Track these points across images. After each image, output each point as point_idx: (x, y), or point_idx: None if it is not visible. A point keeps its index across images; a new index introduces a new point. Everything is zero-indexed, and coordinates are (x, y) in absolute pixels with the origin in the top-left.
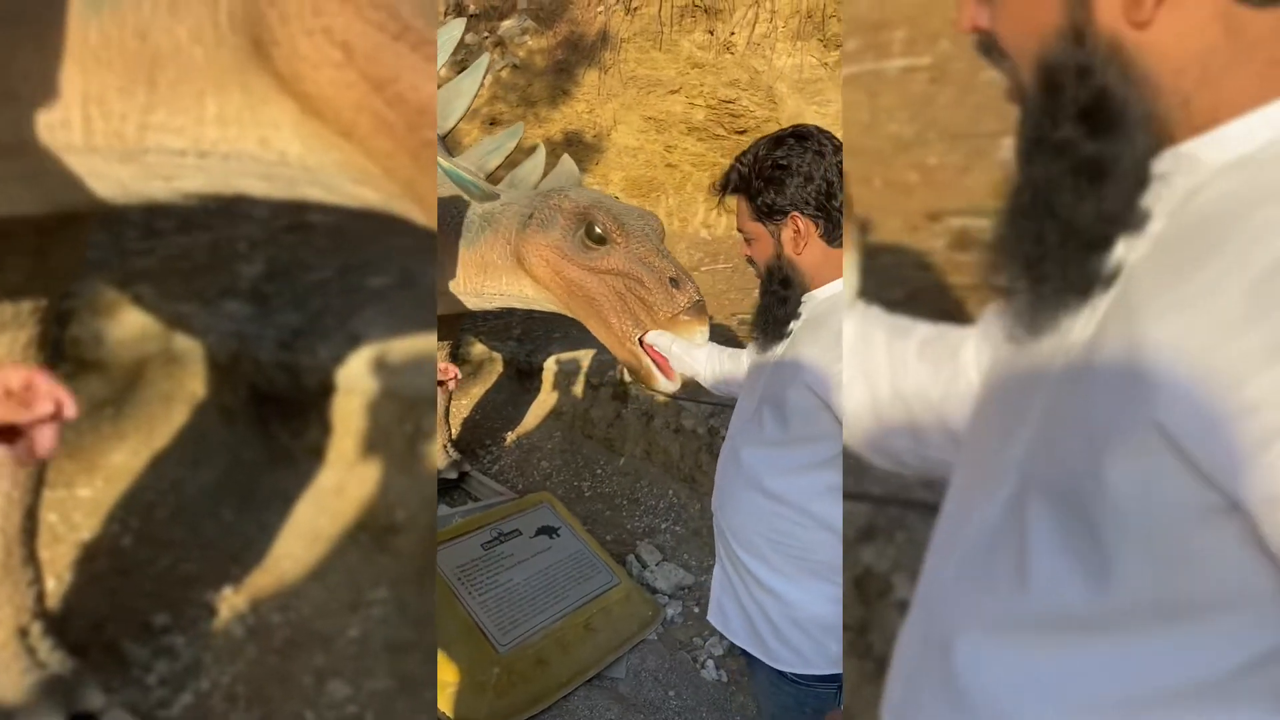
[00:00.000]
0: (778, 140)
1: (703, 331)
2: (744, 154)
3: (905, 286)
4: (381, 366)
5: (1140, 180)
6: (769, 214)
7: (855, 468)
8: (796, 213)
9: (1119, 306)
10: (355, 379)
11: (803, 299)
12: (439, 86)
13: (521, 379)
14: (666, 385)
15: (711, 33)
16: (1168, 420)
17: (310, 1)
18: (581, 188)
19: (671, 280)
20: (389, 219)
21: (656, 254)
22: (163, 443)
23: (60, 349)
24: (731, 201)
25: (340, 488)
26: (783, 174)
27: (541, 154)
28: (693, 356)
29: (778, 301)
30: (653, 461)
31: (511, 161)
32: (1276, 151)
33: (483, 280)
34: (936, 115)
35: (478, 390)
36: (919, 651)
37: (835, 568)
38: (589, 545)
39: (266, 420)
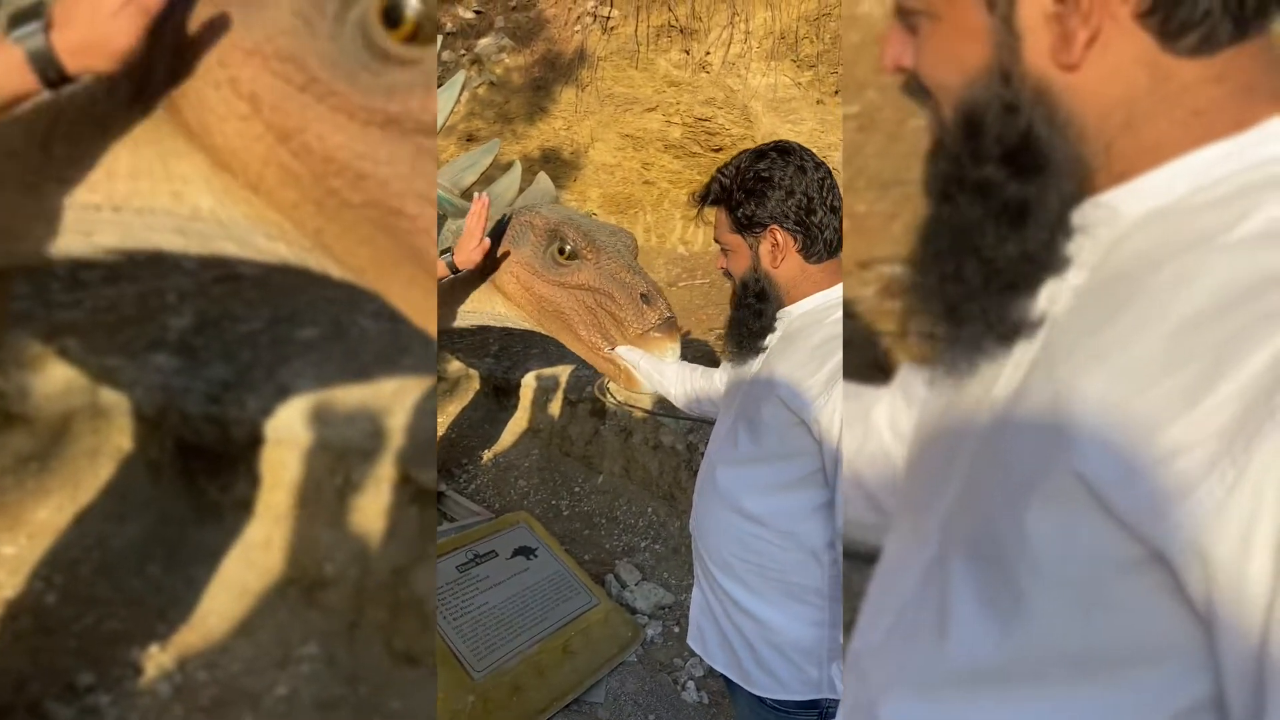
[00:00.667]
0: (760, 154)
1: (673, 348)
2: (726, 166)
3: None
4: (311, 418)
5: (1062, 224)
6: (748, 226)
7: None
8: (776, 226)
9: (1041, 359)
10: (284, 431)
11: (778, 314)
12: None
13: (499, 396)
14: (648, 384)
15: (687, 52)
16: (1087, 469)
17: (217, 54)
18: (554, 205)
19: (643, 296)
20: (321, 271)
21: (628, 270)
22: (88, 498)
23: None
24: (710, 215)
25: (268, 541)
26: (764, 186)
27: (517, 170)
28: (662, 373)
29: (752, 315)
30: (631, 479)
31: (488, 178)
32: (1194, 203)
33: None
34: (865, 163)
35: (454, 408)
36: (849, 718)
37: (815, 590)
38: (567, 565)
39: (194, 474)
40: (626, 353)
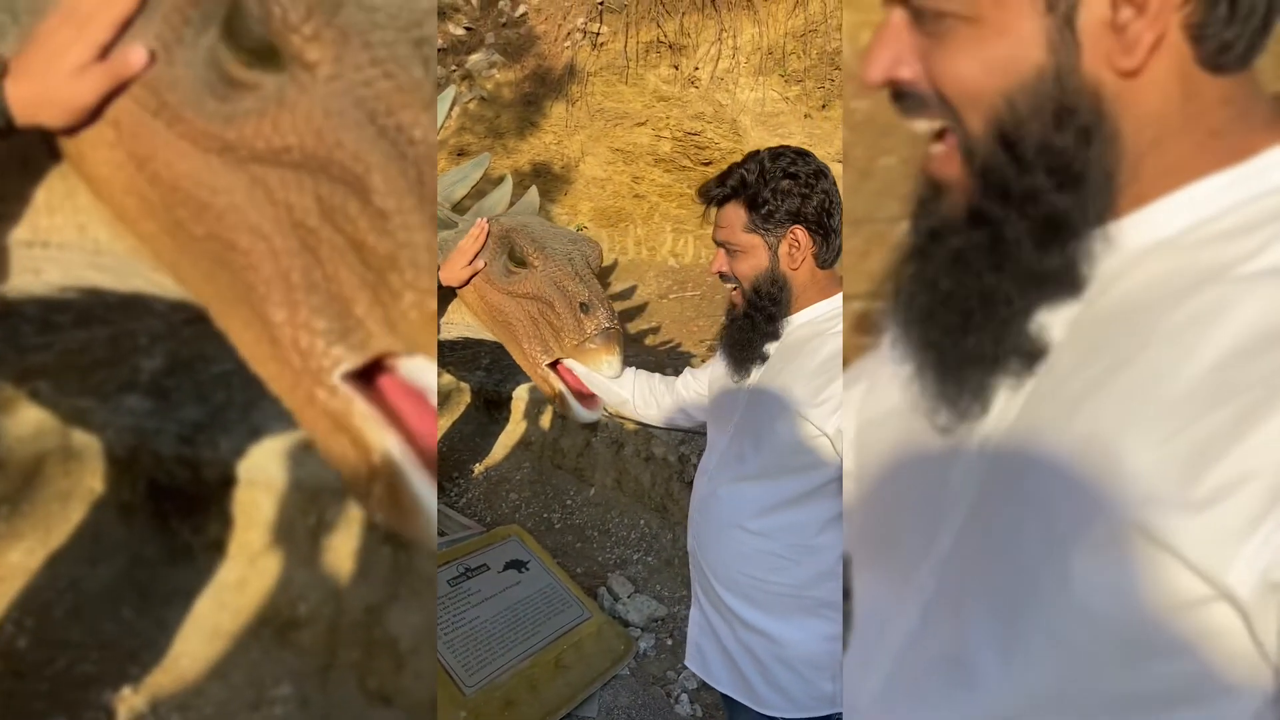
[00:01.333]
0: (779, 153)
1: (609, 361)
2: (744, 162)
3: None
4: (283, 458)
5: (1089, 245)
6: (769, 224)
7: None
8: (799, 225)
9: (1050, 395)
10: (257, 471)
11: (782, 321)
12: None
13: (490, 409)
14: (583, 414)
15: (676, 67)
16: (1139, 514)
17: None
18: (518, 214)
19: (581, 305)
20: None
21: (572, 278)
22: (60, 541)
23: None
24: (696, 226)
25: (242, 582)
26: (790, 184)
27: (508, 184)
28: (620, 387)
29: (765, 319)
30: (624, 491)
31: (479, 192)
32: (1201, 235)
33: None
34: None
35: (445, 421)
36: None
37: (830, 603)
38: (559, 579)
39: (166, 515)
40: (573, 366)
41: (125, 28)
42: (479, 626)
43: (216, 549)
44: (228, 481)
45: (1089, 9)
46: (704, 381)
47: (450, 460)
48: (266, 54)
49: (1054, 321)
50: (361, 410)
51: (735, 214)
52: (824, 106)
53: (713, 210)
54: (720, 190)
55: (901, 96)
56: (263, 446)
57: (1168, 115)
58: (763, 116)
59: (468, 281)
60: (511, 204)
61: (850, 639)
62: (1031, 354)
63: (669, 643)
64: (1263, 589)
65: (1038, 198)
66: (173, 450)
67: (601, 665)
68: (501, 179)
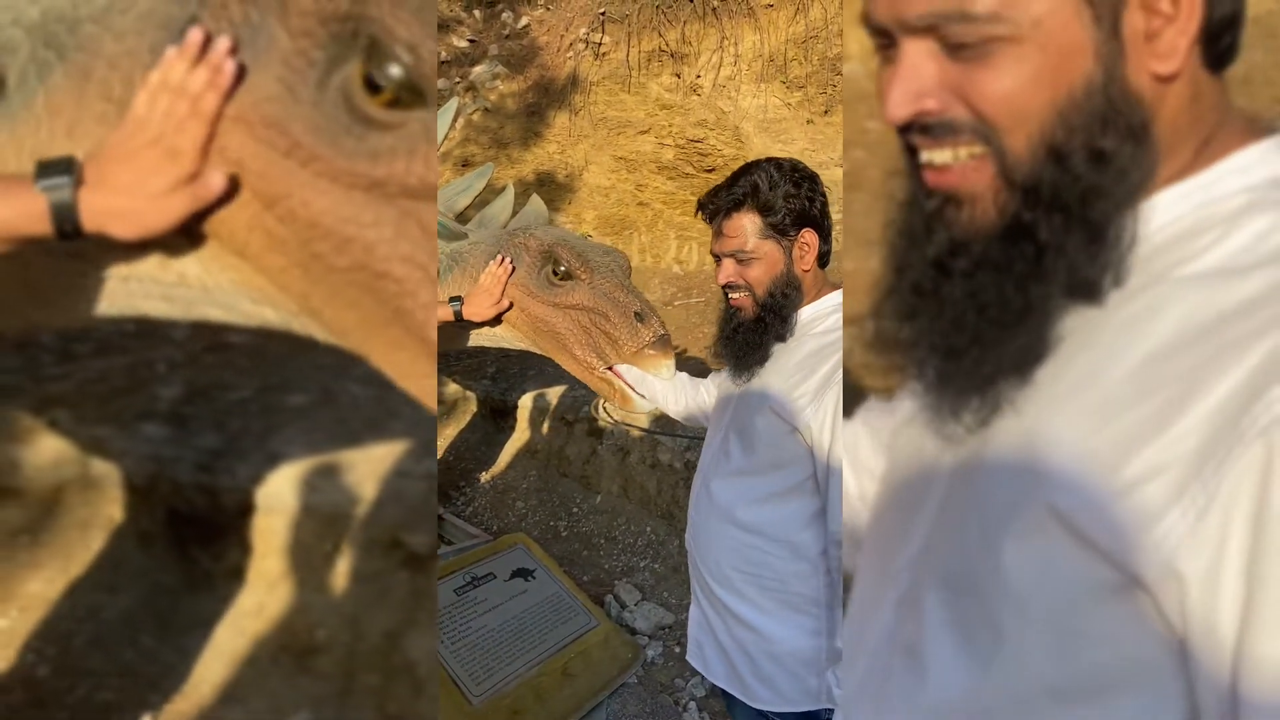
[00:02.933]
0: (778, 162)
1: (668, 366)
2: (748, 173)
3: None
4: (301, 485)
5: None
6: (783, 230)
7: None
8: (808, 228)
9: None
10: (275, 498)
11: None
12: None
13: (496, 418)
14: (643, 404)
15: (678, 76)
16: (1060, 501)
17: None
18: (548, 225)
19: (636, 314)
20: (307, 336)
21: (621, 289)
22: (80, 569)
23: None
24: (699, 233)
25: (260, 609)
26: (796, 190)
27: (510, 193)
28: (661, 389)
29: (780, 320)
30: (629, 498)
31: (481, 201)
32: (1153, 243)
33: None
34: (852, 221)
35: (451, 431)
36: None
37: (813, 599)
38: (566, 587)
39: (185, 543)
40: (625, 371)
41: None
42: (485, 635)
43: (235, 576)
44: (246, 509)
45: (1132, 15)
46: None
47: (456, 469)
48: (408, 94)
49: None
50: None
51: (747, 222)
52: (826, 112)
53: (707, 228)
54: (730, 199)
55: (926, 129)
56: (280, 473)
57: (1179, 118)
58: (765, 123)
59: (491, 319)
60: (515, 213)
61: (844, 644)
62: (1043, 358)
63: (676, 650)
64: (1166, 575)
65: (1090, 206)
66: (191, 478)
67: (609, 673)
68: (504, 189)
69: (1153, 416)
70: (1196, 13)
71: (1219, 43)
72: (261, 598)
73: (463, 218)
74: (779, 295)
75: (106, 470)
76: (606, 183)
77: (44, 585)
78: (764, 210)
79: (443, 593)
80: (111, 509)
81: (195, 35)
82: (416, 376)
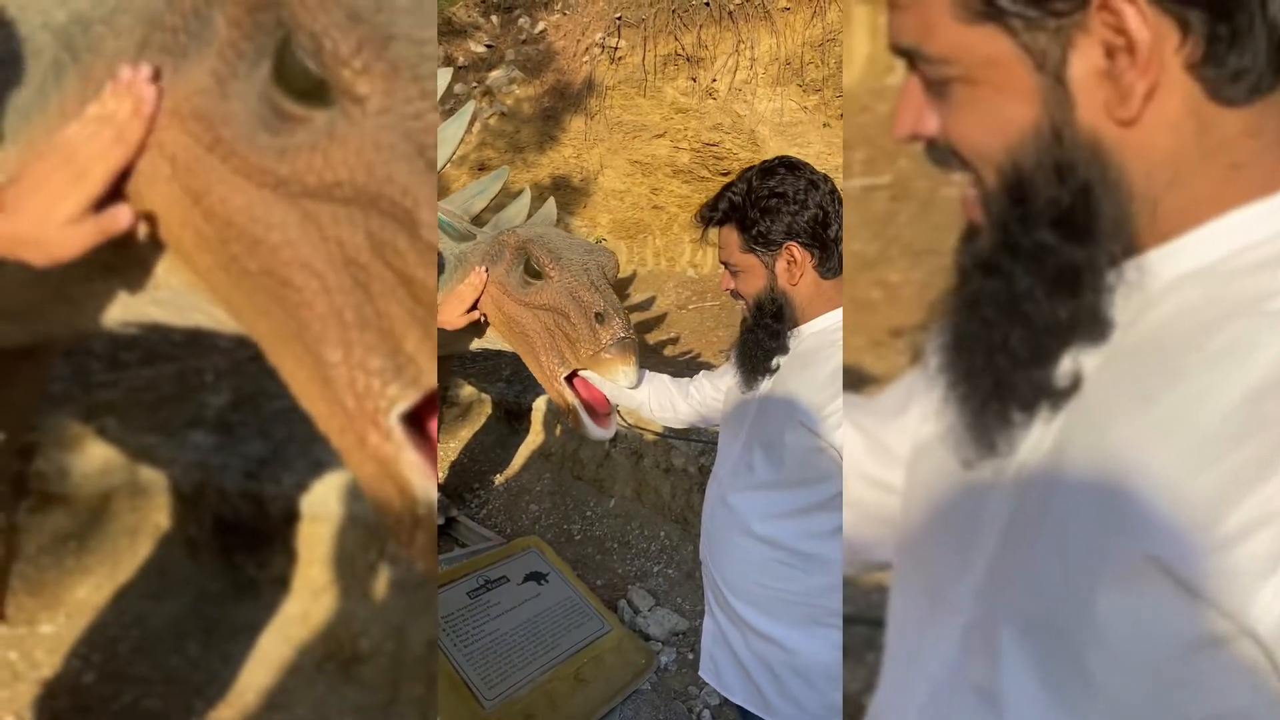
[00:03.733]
0: (768, 170)
1: (626, 371)
2: (734, 183)
3: None
4: (345, 493)
5: (1110, 288)
6: (764, 244)
7: None
8: (793, 243)
9: (1081, 423)
10: (319, 506)
11: (790, 333)
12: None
13: (510, 420)
14: (596, 432)
15: (694, 79)
16: (1162, 552)
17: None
18: (535, 224)
19: (597, 315)
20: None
21: (588, 287)
22: (127, 576)
23: (25, 483)
24: (713, 236)
25: (305, 617)
26: (779, 202)
27: (526, 196)
28: (642, 398)
29: (769, 335)
30: (643, 502)
31: (497, 205)
32: (1235, 265)
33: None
34: (898, 233)
35: (466, 433)
36: None
37: (838, 612)
38: (579, 591)
39: (231, 550)
40: (591, 375)
41: (120, 178)
42: (498, 639)
43: (280, 584)
44: (291, 516)
45: (1083, 60)
46: (720, 386)
47: (471, 471)
48: (318, 89)
49: (1092, 352)
50: (410, 460)
51: (730, 236)
52: (843, 115)
53: (714, 232)
54: (713, 214)
55: (931, 149)
56: (325, 481)
57: (1183, 154)
58: (781, 126)
59: (466, 327)
60: (530, 216)
61: (885, 665)
62: (1059, 394)
63: (690, 657)
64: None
65: (1045, 252)
66: (237, 485)
67: (622, 679)
68: (520, 192)
69: (1258, 459)
70: (1164, 55)
71: (1222, 75)
72: (306, 606)
73: (478, 221)
74: (766, 310)
75: (154, 478)
76: (622, 186)
77: (91, 592)
78: (742, 226)
79: (455, 596)
80: (159, 516)
81: (125, 72)
82: (313, 398)
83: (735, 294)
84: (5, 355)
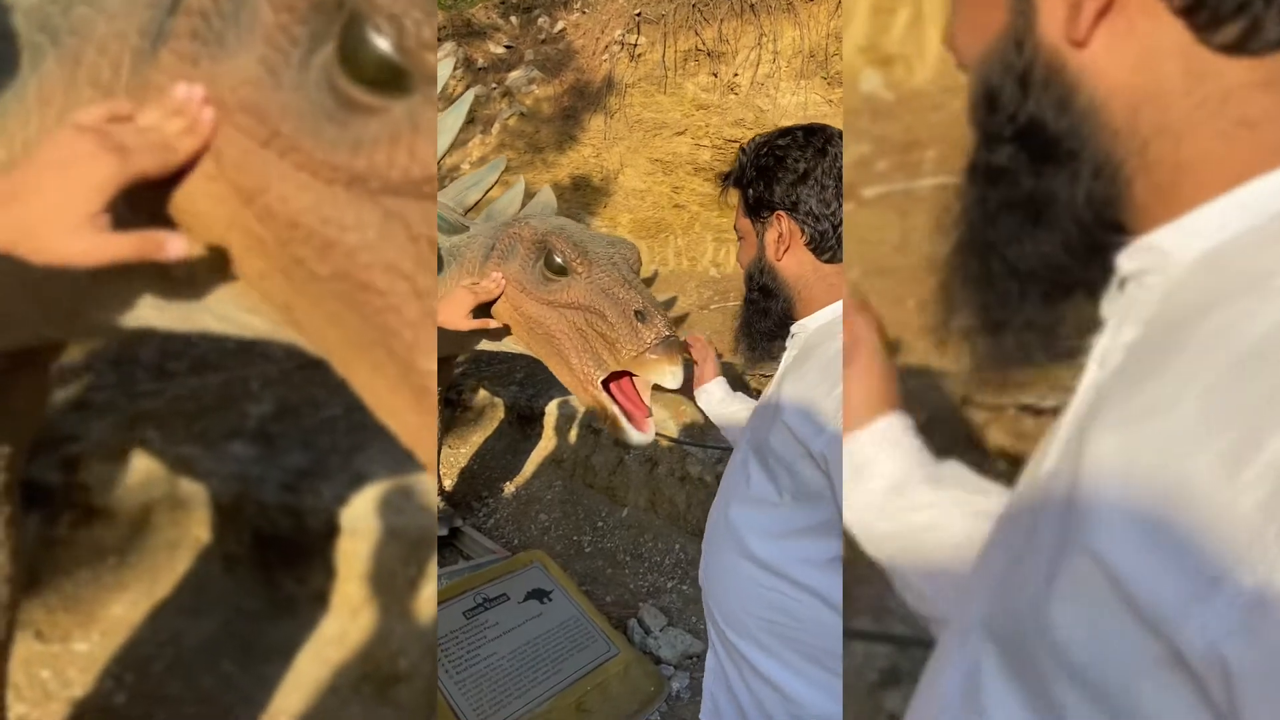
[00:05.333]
0: (785, 131)
1: (673, 372)
2: (750, 141)
3: (926, 410)
4: (385, 506)
5: (1092, 230)
6: (756, 210)
7: (875, 607)
8: (782, 212)
9: (1089, 426)
10: (359, 520)
11: (793, 328)
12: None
13: (523, 425)
14: (637, 437)
15: (715, 75)
16: (1108, 555)
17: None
18: (547, 215)
19: (637, 313)
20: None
21: (622, 284)
22: (165, 592)
23: (70, 496)
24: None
25: (342, 636)
26: (776, 166)
27: (520, 187)
28: (735, 406)
29: (758, 313)
30: (657, 513)
31: (493, 198)
32: (1247, 241)
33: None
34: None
35: (478, 438)
36: None
37: (836, 655)
38: (584, 610)
39: (270, 566)
40: (703, 395)
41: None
42: (494, 664)
43: (319, 601)
44: (331, 531)
45: None
46: None
47: (481, 478)
48: (394, 76)
49: (1114, 350)
50: None
51: (737, 199)
52: (843, 94)
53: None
54: (729, 174)
55: (961, 63)
56: (364, 495)
57: (1168, 96)
58: (805, 120)
59: (474, 330)
60: (523, 206)
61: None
62: (1078, 340)
63: None
64: (1210, 662)
65: (1006, 174)
66: (276, 498)
67: (628, 709)
68: (539, 191)
69: (1223, 457)
70: None
71: (1207, 19)
72: (344, 624)
73: (474, 211)
74: (755, 284)
75: (194, 490)
76: (642, 185)
77: (127, 608)
78: (739, 185)
79: (451, 616)
80: (199, 530)
81: (181, 90)
82: (390, 407)
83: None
84: (4, 361)
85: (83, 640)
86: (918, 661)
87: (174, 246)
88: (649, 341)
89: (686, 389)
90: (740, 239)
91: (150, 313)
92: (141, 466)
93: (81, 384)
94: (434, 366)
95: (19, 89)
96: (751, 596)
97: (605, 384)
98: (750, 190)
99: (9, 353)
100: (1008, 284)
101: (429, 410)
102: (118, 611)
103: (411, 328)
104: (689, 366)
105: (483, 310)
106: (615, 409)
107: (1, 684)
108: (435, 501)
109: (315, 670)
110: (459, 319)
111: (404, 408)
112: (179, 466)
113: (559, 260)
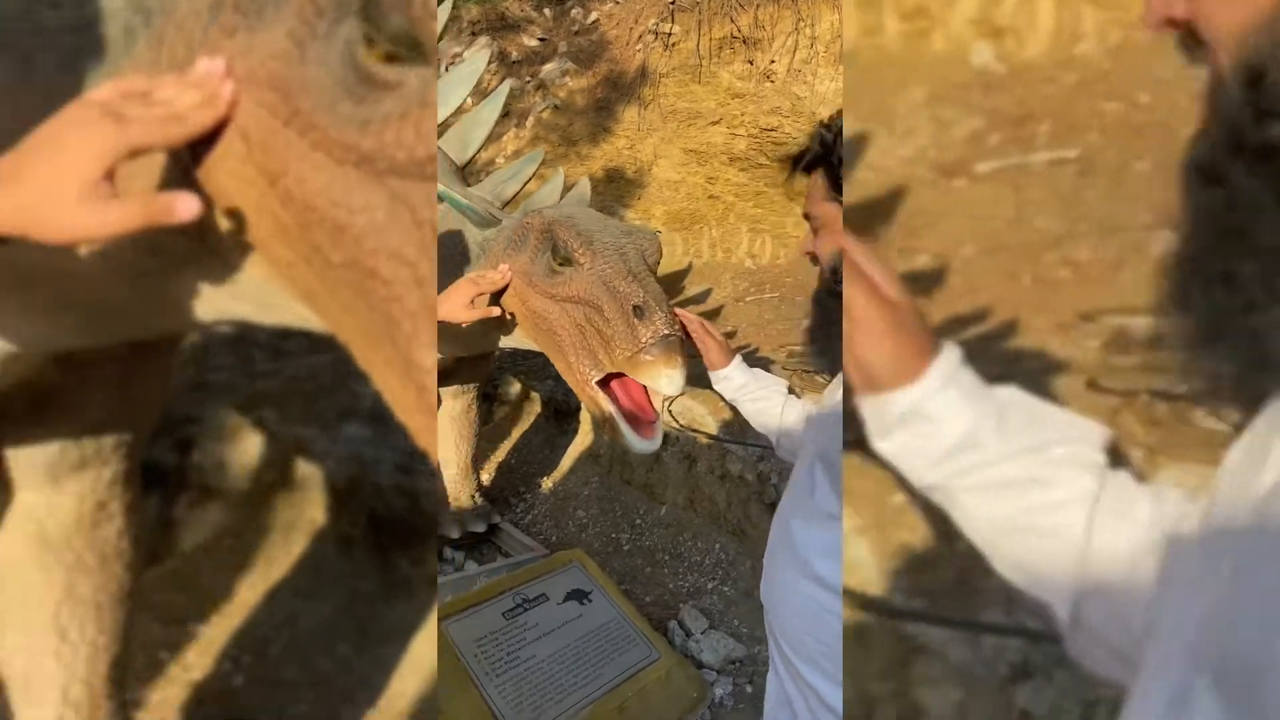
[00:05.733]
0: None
1: (670, 376)
2: (831, 120)
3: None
4: None
5: None
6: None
7: (1005, 598)
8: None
9: None
10: None
11: None
12: (463, 114)
13: (559, 420)
14: (637, 445)
15: (751, 62)
16: None
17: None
18: (561, 203)
19: (635, 308)
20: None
21: (624, 276)
22: (281, 574)
23: (184, 477)
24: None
25: None
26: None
27: (559, 179)
28: (771, 411)
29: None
30: (696, 511)
31: (530, 191)
32: None
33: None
34: (1087, 209)
35: (516, 432)
36: None
37: None
38: (624, 612)
39: (386, 548)
40: (732, 373)
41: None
42: (534, 666)
43: (434, 583)
44: None
45: None
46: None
47: (518, 474)
48: (408, 44)
49: None
50: None
51: (816, 182)
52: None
53: (802, 182)
54: (804, 155)
55: (1183, 41)
56: None
57: None
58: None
59: (491, 323)
60: (562, 198)
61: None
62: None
63: (749, 690)
64: None
65: (1276, 153)
66: (391, 480)
67: (670, 716)
68: (575, 184)
69: None
70: None
71: None
72: None
73: (511, 205)
74: (840, 271)
75: (310, 471)
76: (676, 176)
77: (246, 591)
78: (828, 167)
79: (490, 616)
80: (314, 511)
81: (202, 65)
82: (404, 406)
83: (814, 259)
84: (126, 351)
85: (200, 621)
86: (1050, 655)
87: (184, 207)
88: (644, 341)
89: (705, 379)
90: (817, 226)
91: (235, 304)
92: (257, 447)
93: (199, 365)
94: (433, 363)
95: (114, 71)
96: (816, 620)
97: (607, 384)
98: (843, 169)
99: (129, 342)
100: (1257, 289)
101: (429, 410)
102: (236, 593)
103: (411, 318)
104: (697, 362)
105: (493, 302)
106: (614, 412)
107: (123, 667)
108: (436, 504)
109: (432, 654)
110: (458, 310)
111: (413, 407)
112: (295, 448)
113: (563, 251)
